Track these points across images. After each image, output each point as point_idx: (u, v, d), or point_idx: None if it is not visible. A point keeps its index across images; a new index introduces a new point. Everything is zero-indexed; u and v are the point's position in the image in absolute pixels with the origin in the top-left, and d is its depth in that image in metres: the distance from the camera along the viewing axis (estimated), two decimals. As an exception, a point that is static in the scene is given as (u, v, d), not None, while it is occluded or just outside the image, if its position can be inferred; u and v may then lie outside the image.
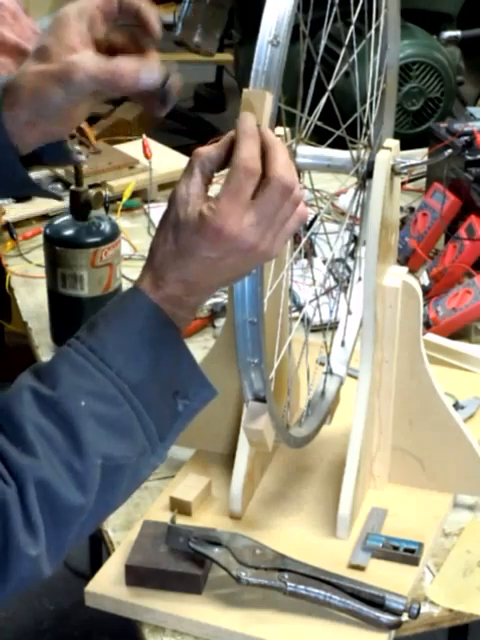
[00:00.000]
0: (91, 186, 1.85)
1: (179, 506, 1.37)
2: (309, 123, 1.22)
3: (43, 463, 0.97)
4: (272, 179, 0.99)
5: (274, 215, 1.00)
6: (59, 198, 1.28)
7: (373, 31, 1.30)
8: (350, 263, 1.63)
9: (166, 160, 2.29)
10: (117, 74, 1.00)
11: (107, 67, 1.00)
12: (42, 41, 1.02)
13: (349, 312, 1.45)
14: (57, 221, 1.73)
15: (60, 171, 2.20)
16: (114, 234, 1.71)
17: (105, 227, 1.71)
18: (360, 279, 1.46)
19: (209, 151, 1.01)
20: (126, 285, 1.85)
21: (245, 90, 1.00)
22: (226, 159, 1.01)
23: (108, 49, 1.03)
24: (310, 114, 1.23)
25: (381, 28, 1.33)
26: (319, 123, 1.23)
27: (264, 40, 1.00)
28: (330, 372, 1.42)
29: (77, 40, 1.01)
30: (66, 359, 1.03)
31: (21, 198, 2.16)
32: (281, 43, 1.00)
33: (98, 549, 2.41)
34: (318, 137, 1.30)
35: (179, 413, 1.05)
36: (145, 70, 1.01)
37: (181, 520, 1.30)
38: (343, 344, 1.45)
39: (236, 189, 0.98)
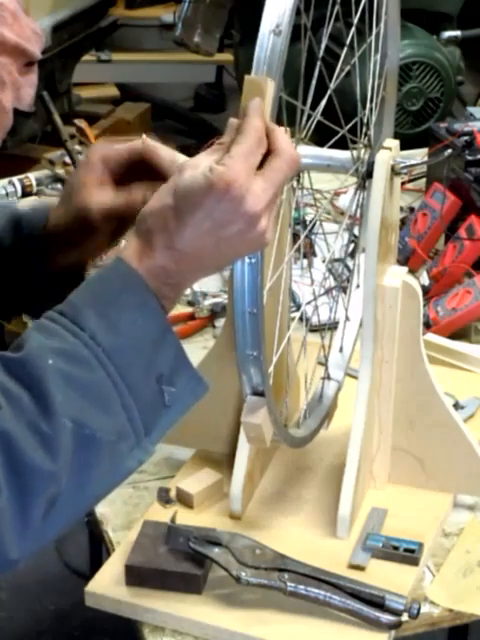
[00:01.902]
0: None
1: (182, 498, 1.37)
2: (311, 120, 1.22)
3: (6, 416, 0.92)
4: (283, 151, 0.98)
5: (280, 187, 0.98)
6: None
7: (373, 36, 1.31)
8: (349, 263, 1.63)
9: (166, 160, 2.28)
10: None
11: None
12: (68, 186, 1.21)
13: (347, 318, 1.45)
14: (57, 221, 1.73)
15: (60, 171, 2.20)
16: (114, 234, 1.71)
17: (105, 227, 1.71)
18: (358, 286, 1.46)
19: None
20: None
21: (247, 76, 1.00)
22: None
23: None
24: (311, 110, 1.23)
25: (381, 33, 1.33)
26: (320, 118, 1.23)
27: (266, 29, 1.01)
28: (328, 377, 1.42)
29: (95, 181, 1.17)
30: (36, 326, 0.99)
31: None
32: (283, 32, 1.00)
33: (98, 549, 2.41)
34: (318, 137, 1.30)
35: (166, 405, 1.00)
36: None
37: (183, 515, 1.30)
38: (341, 350, 1.45)
39: (247, 151, 0.97)
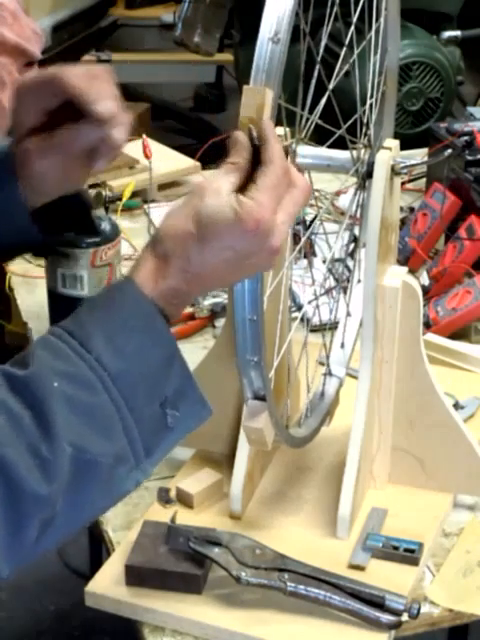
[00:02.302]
0: (91, 186, 1.85)
1: (182, 498, 1.37)
2: (309, 122, 1.22)
3: (5, 436, 0.91)
4: (298, 182, 0.99)
5: (294, 218, 1.00)
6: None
7: (373, 32, 1.31)
8: (350, 263, 1.63)
9: (166, 160, 2.29)
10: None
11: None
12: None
13: (348, 314, 1.45)
14: (57, 221, 1.73)
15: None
16: (114, 234, 1.71)
17: (105, 227, 1.71)
18: (359, 281, 1.46)
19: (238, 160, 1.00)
20: (126, 285, 1.85)
21: (245, 86, 1.00)
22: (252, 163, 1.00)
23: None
24: (310, 113, 1.23)
25: (381, 29, 1.33)
26: (319, 122, 1.23)
27: (265, 37, 1.00)
28: (329, 373, 1.42)
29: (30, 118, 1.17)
30: (43, 343, 0.98)
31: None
32: (282, 40, 1.00)
33: (98, 549, 2.41)
34: (318, 137, 1.30)
35: (168, 427, 0.99)
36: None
37: (183, 515, 1.30)
38: (343, 346, 1.45)
39: (274, 184, 0.97)
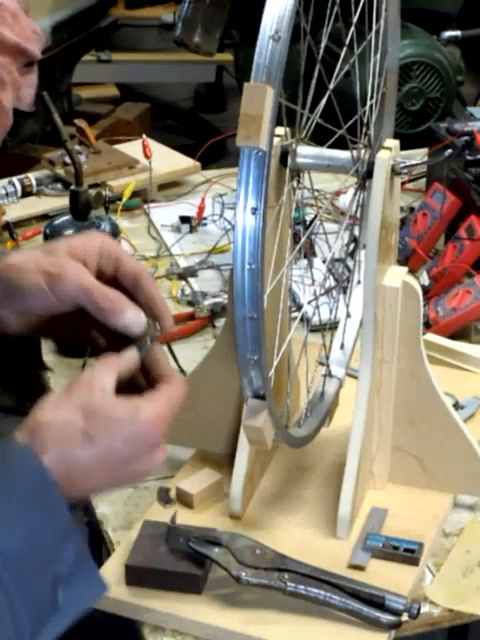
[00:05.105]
0: (91, 186, 1.85)
1: (182, 498, 1.37)
2: (310, 122, 1.22)
3: None
4: (172, 377, 1.04)
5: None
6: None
7: (373, 33, 1.30)
8: (350, 263, 1.63)
9: (166, 160, 2.29)
10: (105, 300, 1.04)
11: (99, 289, 1.05)
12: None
13: (348, 315, 1.45)
14: (57, 221, 1.73)
15: (60, 171, 2.20)
16: (114, 234, 1.72)
17: (105, 227, 1.72)
18: (359, 282, 1.46)
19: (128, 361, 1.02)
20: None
21: (246, 84, 1.00)
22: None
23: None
24: (310, 113, 1.23)
25: (381, 30, 1.33)
26: (320, 121, 1.23)
27: (265, 35, 1.00)
28: (329, 374, 1.42)
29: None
30: None
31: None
32: (282, 38, 1.00)
33: (98, 549, 2.41)
34: (317, 137, 1.30)
35: (58, 609, 0.93)
36: (131, 314, 1.05)
37: (183, 515, 1.30)
38: (342, 346, 1.45)
39: (174, 402, 1.01)
